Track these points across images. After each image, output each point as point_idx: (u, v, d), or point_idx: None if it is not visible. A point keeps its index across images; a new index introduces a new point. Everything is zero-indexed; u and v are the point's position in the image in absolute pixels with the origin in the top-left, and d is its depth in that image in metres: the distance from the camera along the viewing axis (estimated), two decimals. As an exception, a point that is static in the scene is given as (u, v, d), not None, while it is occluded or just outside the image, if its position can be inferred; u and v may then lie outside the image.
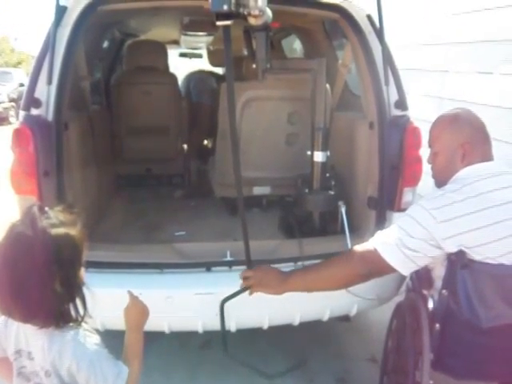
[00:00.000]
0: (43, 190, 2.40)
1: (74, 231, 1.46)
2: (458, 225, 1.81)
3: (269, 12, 2.08)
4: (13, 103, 15.85)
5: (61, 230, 1.42)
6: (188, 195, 4.19)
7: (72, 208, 1.55)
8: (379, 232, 2.03)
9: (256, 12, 1.85)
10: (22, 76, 17.56)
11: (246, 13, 1.84)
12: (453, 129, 2.03)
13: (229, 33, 1.79)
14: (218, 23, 1.73)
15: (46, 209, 1.46)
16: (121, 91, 4.32)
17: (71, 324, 1.47)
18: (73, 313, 1.47)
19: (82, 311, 1.49)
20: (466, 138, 1.98)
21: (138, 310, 1.72)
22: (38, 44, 2.58)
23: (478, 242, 1.81)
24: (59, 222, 1.44)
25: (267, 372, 2.56)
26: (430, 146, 2.14)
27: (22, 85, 15.89)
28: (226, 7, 1.70)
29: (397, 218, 2.74)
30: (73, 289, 1.47)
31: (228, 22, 1.72)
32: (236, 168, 1.90)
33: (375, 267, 1.96)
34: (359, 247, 2.04)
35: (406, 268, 1.93)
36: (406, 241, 1.87)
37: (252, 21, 1.94)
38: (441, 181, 2.07)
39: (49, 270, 1.39)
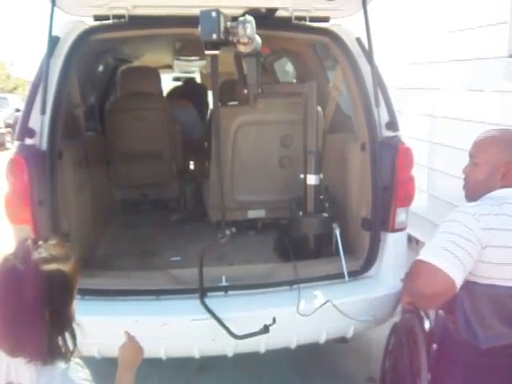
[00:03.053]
0: (38, 220, 2.40)
1: (66, 267, 1.44)
2: (494, 236, 1.76)
3: (258, 39, 2.12)
4: (9, 129, 15.88)
5: (53, 266, 1.41)
6: (183, 219, 4.19)
7: (67, 237, 1.54)
8: (423, 249, 1.89)
9: (245, 40, 1.89)
10: (18, 101, 17.61)
11: (235, 40, 1.88)
12: (501, 145, 1.95)
13: (216, 62, 1.82)
14: (207, 52, 1.76)
15: (40, 242, 1.45)
16: (115, 117, 4.34)
17: (60, 359, 1.44)
18: (62, 348, 1.45)
19: (71, 346, 1.47)
20: (511, 158, 1.92)
21: (133, 349, 1.72)
22: (33, 69, 2.60)
23: (503, 261, 1.77)
24: (51, 257, 1.42)
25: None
26: (470, 155, 2.04)
27: (18, 110, 15.89)
28: (215, 36, 1.73)
29: (391, 238, 2.77)
30: (63, 325, 1.46)
31: (216, 52, 1.75)
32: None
33: (429, 281, 1.78)
34: (410, 269, 1.93)
35: (457, 271, 1.74)
36: (457, 241, 1.76)
37: (241, 48, 1.97)
38: (473, 193, 2.00)
39: (39, 307, 1.38)
